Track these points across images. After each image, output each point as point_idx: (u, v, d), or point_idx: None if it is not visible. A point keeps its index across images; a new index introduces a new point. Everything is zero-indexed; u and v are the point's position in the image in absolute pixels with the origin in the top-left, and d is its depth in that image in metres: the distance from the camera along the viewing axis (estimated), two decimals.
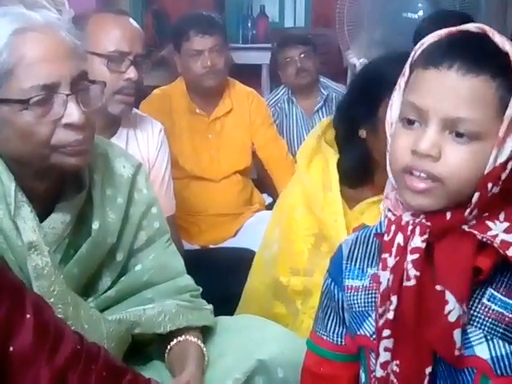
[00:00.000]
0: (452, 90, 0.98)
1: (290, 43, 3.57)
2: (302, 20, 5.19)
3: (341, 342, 1.22)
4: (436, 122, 0.99)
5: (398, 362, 1.07)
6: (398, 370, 1.07)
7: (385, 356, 1.07)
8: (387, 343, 1.06)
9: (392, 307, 1.04)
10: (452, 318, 1.00)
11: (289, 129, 3.57)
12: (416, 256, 1.02)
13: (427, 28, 2.60)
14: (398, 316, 1.04)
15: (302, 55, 3.51)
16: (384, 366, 1.08)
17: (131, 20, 2.10)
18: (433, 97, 0.99)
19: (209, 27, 2.89)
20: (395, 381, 1.07)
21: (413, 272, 1.02)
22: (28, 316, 1.07)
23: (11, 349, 1.04)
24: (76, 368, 1.11)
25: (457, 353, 1.02)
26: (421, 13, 3.78)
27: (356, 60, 3.77)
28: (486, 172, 0.99)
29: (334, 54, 4.40)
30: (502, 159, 0.99)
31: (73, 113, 1.30)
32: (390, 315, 1.04)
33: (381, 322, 1.07)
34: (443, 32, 1.05)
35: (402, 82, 1.07)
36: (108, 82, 1.82)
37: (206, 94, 2.93)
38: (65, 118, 1.30)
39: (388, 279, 1.05)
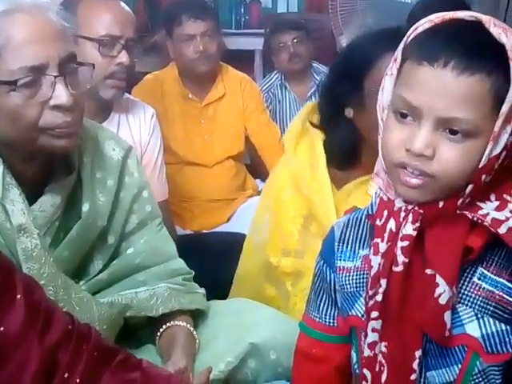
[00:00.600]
0: (447, 90, 0.96)
1: (283, 28, 3.56)
2: (295, 5, 5.16)
3: (333, 323, 1.22)
4: (430, 121, 0.98)
5: (386, 343, 1.08)
6: (385, 351, 1.08)
7: (372, 336, 1.09)
8: (375, 324, 1.08)
9: (381, 290, 1.05)
10: (442, 300, 1.00)
11: (282, 114, 3.57)
12: (406, 243, 1.02)
13: (421, 13, 2.58)
14: (386, 299, 1.05)
15: (295, 40, 3.50)
16: (371, 346, 1.09)
17: (122, 4, 2.09)
18: (427, 95, 0.98)
19: (201, 12, 2.88)
20: (383, 361, 1.09)
21: (401, 258, 1.02)
22: (19, 296, 1.06)
23: (2, 328, 1.04)
24: (67, 348, 1.10)
25: (447, 334, 1.02)
26: None
27: None
28: (480, 165, 0.98)
29: (327, 40, 4.37)
30: (496, 152, 0.98)
31: (61, 94, 1.30)
32: (379, 297, 1.05)
33: (370, 303, 1.08)
34: (436, 18, 1.02)
35: (393, 68, 1.05)
36: (99, 67, 1.82)
37: (199, 79, 2.92)
38: (53, 99, 1.30)
39: (379, 263, 1.06)
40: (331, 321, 1.22)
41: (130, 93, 2.43)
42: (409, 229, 1.02)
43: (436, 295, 1.00)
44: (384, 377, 1.09)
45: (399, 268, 1.02)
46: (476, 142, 0.98)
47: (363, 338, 1.12)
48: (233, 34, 4.67)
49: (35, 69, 1.28)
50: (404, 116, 1.01)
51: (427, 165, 0.99)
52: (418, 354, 1.06)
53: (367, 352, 1.10)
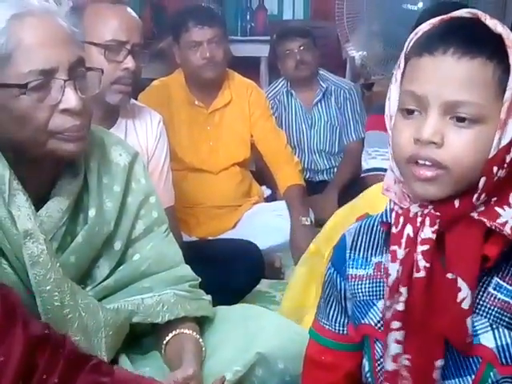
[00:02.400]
0: (449, 75, 0.97)
1: (290, 36, 3.56)
2: (301, 12, 5.17)
3: (343, 331, 1.21)
4: (436, 108, 0.98)
5: (408, 356, 1.05)
6: (408, 364, 1.05)
7: (396, 348, 1.05)
8: (398, 335, 1.05)
9: (402, 299, 1.02)
10: (465, 305, 0.99)
11: (288, 121, 3.57)
12: (426, 247, 1.00)
13: (428, 19, 2.58)
14: (408, 308, 1.03)
15: (302, 48, 3.50)
16: (395, 358, 1.06)
17: (129, 9, 2.08)
18: (430, 83, 0.98)
19: (208, 19, 2.89)
20: (405, 374, 1.05)
21: (423, 263, 1.00)
22: None
23: None
24: (44, 350, 1.11)
25: (468, 340, 1.01)
26: (420, 4, 3.77)
27: (355, 52, 3.76)
28: (490, 155, 0.98)
29: (333, 47, 4.38)
30: (505, 141, 0.98)
31: (70, 98, 1.30)
32: (400, 307, 1.03)
33: (388, 314, 1.06)
34: (436, 20, 1.04)
35: (397, 73, 1.06)
36: (105, 72, 1.81)
37: (205, 85, 2.92)
38: (62, 103, 1.30)
39: (397, 271, 1.04)
40: (341, 328, 1.21)
41: (136, 99, 2.43)
42: (428, 232, 1.01)
43: (459, 300, 0.99)
44: None
45: (421, 274, 1.00)
46: (484, 129, 0.98)
47: (379, 348, 1.11)
48: (239, 41, 4.67)
49: (45, 72, 1.28)
50: (410, 112, 1.01)
51: (437, 153, 0.98)
52: (438, 363, 1.04)
53: (391, 366, 1.06)
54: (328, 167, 3.58)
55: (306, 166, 3.51)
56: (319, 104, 3.57)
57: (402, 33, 3.24)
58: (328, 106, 3.57)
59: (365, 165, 2.70)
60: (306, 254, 2.11)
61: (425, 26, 1.04)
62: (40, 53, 1.28)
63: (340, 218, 2.01)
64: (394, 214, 1.07)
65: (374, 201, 1.83)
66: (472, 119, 0.97)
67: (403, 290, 1.02)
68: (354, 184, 2.96)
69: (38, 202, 1.36)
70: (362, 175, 2.72)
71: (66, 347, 1.15)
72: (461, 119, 0.98)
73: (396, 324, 1.04)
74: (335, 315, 1.22)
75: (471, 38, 0.98)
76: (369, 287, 1.14)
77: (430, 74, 0.99)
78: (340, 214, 2.05)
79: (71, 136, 1.33)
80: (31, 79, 1.27)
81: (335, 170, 3.55)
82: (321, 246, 2.01)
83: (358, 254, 1.17)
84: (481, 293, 1.03)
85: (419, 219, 1.02)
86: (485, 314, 1.03)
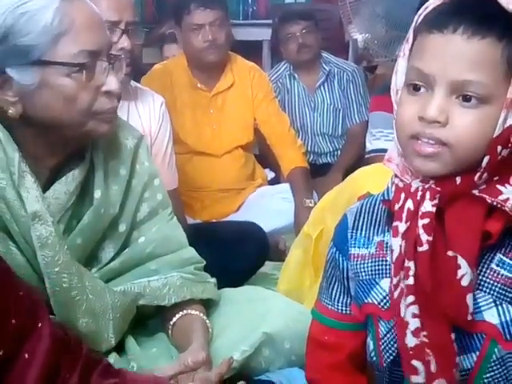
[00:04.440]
0: (458, 54, 0.96)
1: (292, 19, 3.54)
2: None
3: (345, 310, 1.21)
4: (443, 86, 0.98)
5: (424, 332, 1.03)
6: (426, 340, 1.03)
7: (414, 323, 1.03)
8: (414, 309, 1.03)
9: (411, 273, 1.02)
10: (464, 282, 0.99)
11: (291, 105, 3.56)
12: (427, 221, 1.00)
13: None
14: (416, 282, 1.02)
15: (304, 31, 3.48)
16: (416, 333, 1.03)
17: None
18: (439, 61, 0.98)
19: (209, 1, 2.88)
20: (428, 350, 1.04)
21: (425, 237, 1.00)
22: (21, 293, 1.08)
23: (13, 321, 1.04)
24: (67, 350, 1.12)
25: (469, 317, 1.01)
26: None
27: (358, 35, 3.74)
28: (495, 135, 0.97)
29: (336, 29, 4.36)
30: (510, 121, 0.97)
31: (112, 80, 1.35)
32: (411, 281, 1.02)
33: (396, 293, 1.05)
34: None
35: (405, 48, 1.05)
36: None
37: (208, 68, 2.92)
38: (106, 85, 1.34)
39: (400, 245, 1.03)
40: (344, 308, 1.21)
41: (138, 83, 2.42)
42: (428, 206, 1.00)
43: (458, 277, 0.99)
44: (433, 366, 1.03)
45: (424, 247, 1.00)
46: (490, 109, 0.97)
47: (383, 326, 1.11)
48: (240, 25, 4.66)
49: (93, 54, 1.32)
50: (417, 89, 1.01)
51: (441, 132, 0.98)
52: (453, 336, 1.03)
53: (413, 341, 1.04)
54: (331, 150, 3.58)
55: (309, 148, 3.50)
56: (322, 87, 3.56)
57: (405, 15, 3.22)
58: (331, 89, 3.56)
59: (369, 145, 2.70)
60: (300, 236, 2.12)
61: (435, 1, 1.03)
62: (90, 34, 1.32)
63: (327, 201, 2.02)
64: (394, 188, 1.07)
65: (359, 184, 1.84)
66: (479, 99, 0.97)
67: (410, 263, 1.02)
68: (358, 166, 2.95)
69: (45, 184, 1.37)
70: (366, 156, 2.71)
71: (84, 349, 1.16)
72: (467, 99, 0.97)
73: (410, 298, 1.03)
74: (338, 295, 1.21)
75: (482, 17, 0.97)
76: (371, 266, 1.14)
77: (439, 52, 0.98)
78: (327, 197, 2.05)
79: (108, 117, 1.37)
80: (81, 59, 1.30)
81: (339, 152, 3.54)
82: (310, 229, 2.01)
83: (360, 234, 1.16)
84: (484, 269, 1.03)
85: (419, 193, 1.02)
86: (488, 291, 1.03)
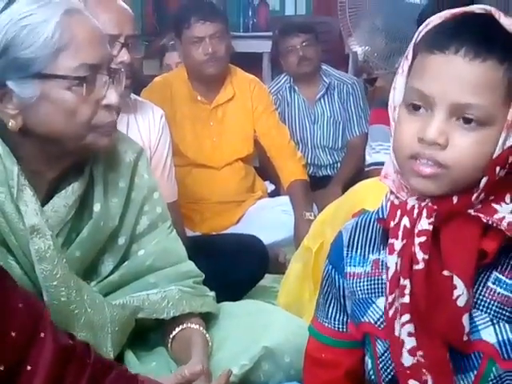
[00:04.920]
0: (459, 76, 0.96)
1: (292, 32, 3.55)
2: (303, 8, 5.17)
3: (342, 328, 1.20)
4: (443, 108, 0.97)
5: (420, 352, 1.03)
6: (422, 360, 1.03)
7: (410, 342, 1.03)
8: (409, 328, 1.02)
9: (407, 291, 1.01)
10: (461, 302, 0.99)
11: (291, 117, 3.56)
12: (423, 239, 0.99)
13: (431, 13, 2.58)
14: (412, 301, 1.01)
15: (304, 43, 3.49)
16: (412, 352, 1.03)
17: (119, 2, 2.05)
18: (439, 83, 0.97)
19: (210, 14, 2.89)
20: (424, 370, 1.03)
21: (421, 255, 0.99)
22: (20, 305, 1.08)
23: (13, 334, 1.03)
24: (72, 360, 1.11)
25: (465, 338, 1.00)
26: None
27: (358, 47, 3.75)
28: (494, 156, 0.97)
29: (336, 42, 4.38)
30: (510, 142, 0.97)
31: (112, 94, 1.35)
32: (406, 299, 1.01)
33: (391, 311, 1.04)
34: (447, 13, 1.02)
35: (405, 65, 1.04)
36: None
37: (208, 81, 2.93)
38: (105, 99, 1.34)
39: (396, 263, 1.03)
40: (340, 326, 1.20)
41: (139, 95, 2.43)
42: (424, 224, 1.00)
43: (454, 297, 0.98)
44: None
45: (420, 266, 0.99)
46: (490, 132, 0.97)
47: (380, 345, 1.10)
48: (241, 37, 4.68)
49: (94, 67, 1.32)
50: (416, 108, 1.00)
51: (440, 154, 0.97)
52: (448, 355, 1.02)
53: (410, 360, 1.03)
54: (331, 162, 3.58)
55: (309, 161, 3.50)
56: (322, 99, 3.56)
57: (405, 27, 3.24)
58: (331, 101, 3.57)
59: (368, 159, 2.70)
60: (300, 249, 2.11)
61: (435, 19, 1.02)
62: (90, 48, 1.32)
63: (327, 214, 2.02)
64: (389, 205, 1.06)
65: (359, 197, 1.84)
66: (479, 121, 0.96)
67: (406, 282, 1.01)
68: (358, 179, 2.96)
69: (44, 197, 1.37)
70: (366, 169, 2.71)
71: (92, 356, 1.15)
72: (468, 121, 0.97)
73: (406, 317, 1.02)
74: (334, 313, 1.20)
75: (484, 39, 0.96)
76: (367, 285, 1.13)
77: (440, 73, 0.97)
78: (327, 210, 2.05)
79: (108, 131, 1.37)
80: (81, 73, 1.31)
81: (338, 164, 3.54)
82: (310, 242, 2.01)
83: (356, 252, 1.15)
84: (480, 287, 1.02)
85: (416, 211, 1.01)
86: (485, 309, 1.02)
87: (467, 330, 1.00)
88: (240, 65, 3.14)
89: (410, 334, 1.03)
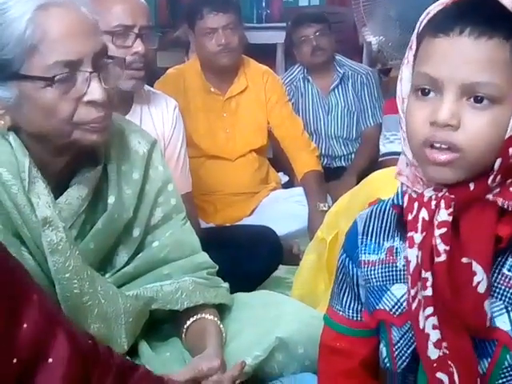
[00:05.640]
0: (466, 56, 0.96)
1: (305, 22, 3.53)
2: None
3: (357, 317, 1.20)
4: (453, 90, 0.97)
5: (445, 343, 1.02)
6: (447, 352, 1.02)
7: (435, 334, 1.02)
8: (433, 320, 1.02)
9: (429, 284, 1.00)
10: (481, 289, 0.98)
11: (304, 108, 3.55)
12: (444, 230, 0.99)
13: None
14: (435, 292, 1.01)
15: (318, 33, 3.47)
16: (438, 344, 1.02)
17: None
18: (447, 65, 0.97)
19: (222, 5, 2.88)
20: (449, 362, 1.03)
21: (442, 247, 0.99)
22: (35, 296, 1.07)
23: (25, 325, 1.03)
24: (97, 362, 1.11)
25: (488, 324, 1.00)
26: None
27: (372, 37, 3.73)
28: (507, 136, 0.96)
29: (350, 32, 4.35)
30: None
31: (95, 90, 1.30)
32: (429, 292, 1.01)
33: (414, 305, 1.03)
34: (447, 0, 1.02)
35: (409, 55, 1.04)
36: None
37: (221, 72, 2.92)
38: (87, 95, 1.30)
39: (417, 256, 1.02)
40: (355, 315, 1.20)
41: (152, 87, 2.43)
42: (444, 215, 0.99)
43: (474, 284, 0.98)
44: (456, 377, 1.02)
45: (442, 258, 0.98)
46: (501, 110, 0.96)
47: (396, 332, 1.10)
48: (254, 28, 4.65)
49: (71, 64, 1.28)
50: (425, 94, 1.00)
51: (454, 136, 0.97)
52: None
53: (436, 353, 1.03)
54: (345, 153, 3.57)
55: (323, 152, 3.49)
56: (336, 90, 3.55)
57: (419, 17, 3.20)
58: (345, 92, 3.55)
59: (383, 149, 2.69)
60: (314, 240, 2.11)
61: (436, 6, 1.02)
62: (66, 44, 1.28)
63: (342, 205, 2.01)
64: (406, 199, 1.06)
65: (374, 187, 1.83)
66: (490, 99, 0.96)
67: (428, 274, 1.00)
68: (372, 169, 2.94)
69: (58, 190, 1.37)
70: (380, 159, 2.70)
71: (115, 358, 1.15)
72: (479, 100, 0.96)
73: (429, 310, 1.01)
74: (349, 301, 1.21)
75: (487, 18, 0.96)
76: (381, 272, 1.13)
77: (446, 55, 0.97)
78: (341, 201, 2.04)
79: (95, 127, 1.33)
80: (57, 71, 1.27)
81: (353, 155, 3.53)
82: (324, 233, 2.01)
83: (371, 239, 1.15)
84: (495, 274, 1.02)
85: (434, 202, 1.01)
86: (500, 297, 1.01)
87: (489, 315, 0.99)
88: (254, 56, 3.13)
89: (434, 327, 1.02)
